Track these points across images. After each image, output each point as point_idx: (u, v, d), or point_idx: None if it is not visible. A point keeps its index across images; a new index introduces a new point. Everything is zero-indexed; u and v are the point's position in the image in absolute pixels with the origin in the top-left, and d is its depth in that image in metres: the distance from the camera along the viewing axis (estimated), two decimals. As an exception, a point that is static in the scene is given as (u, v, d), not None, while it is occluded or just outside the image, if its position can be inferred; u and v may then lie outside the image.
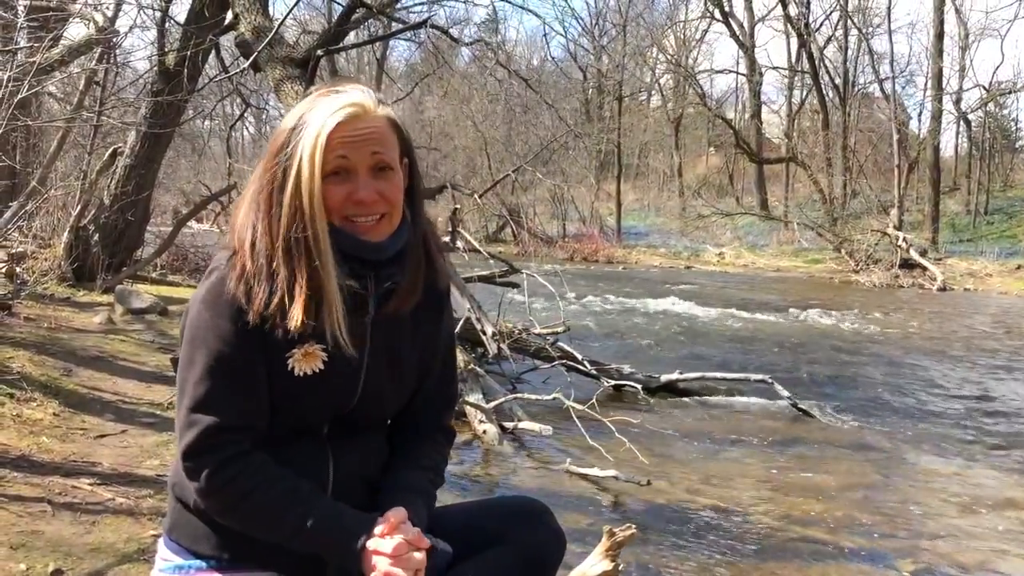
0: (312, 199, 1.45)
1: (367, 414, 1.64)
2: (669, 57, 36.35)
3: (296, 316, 1.44)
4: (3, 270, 7.72)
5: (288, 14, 7.41)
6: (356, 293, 1.52)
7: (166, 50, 9.01)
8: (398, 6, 11.03)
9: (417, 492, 1.61)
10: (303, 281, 1.44)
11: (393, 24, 11.05)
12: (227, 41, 9.65)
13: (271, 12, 7.73)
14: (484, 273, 8.30)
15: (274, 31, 6.18)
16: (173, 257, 12.03)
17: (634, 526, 1.79)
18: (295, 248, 1.45)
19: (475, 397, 5.72)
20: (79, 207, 8.72)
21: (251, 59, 6.31)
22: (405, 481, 1.63)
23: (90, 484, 3.42)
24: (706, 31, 38.24)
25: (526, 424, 5.64)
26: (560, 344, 7.19)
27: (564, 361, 6.93)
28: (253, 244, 1.48)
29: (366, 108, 1.50)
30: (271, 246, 1.47)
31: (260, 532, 1.49)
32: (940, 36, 25.83)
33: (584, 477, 4.77)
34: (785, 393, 6.80)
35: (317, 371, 1.52)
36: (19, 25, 7.03)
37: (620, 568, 1.80)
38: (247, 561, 1.52)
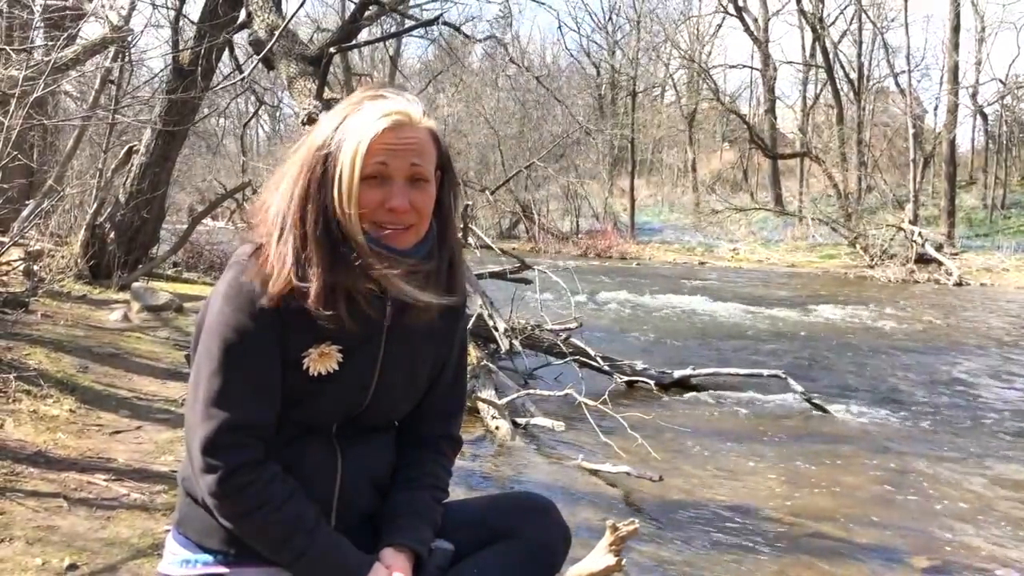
0: (350, 199, 1.46)
1: (376, 416, 1.66)
2: (683, 52, 36.23)
3: (318, 312, 1.46)
4: (20, 268, 7.78)
5: (299, 8, 7.42)
6: (375, 297, 1.53)
7: (180, 48, 9.06)
8: (411, 3, 11.03)
9: (421, 516, 1.64)
10: (329, 278, 1.46)
11: (406, 21, 11.07)
12: (241, 39, 9.69)
13: (284, 10, 7.76)
14: (496, 269, 8.30)
15: (284, 25, 6.20)
16: (188, 254, 12.11)
17: (637, 521, 1.80)
18: (326, 244, 1.47)
19: (488, 393, 5.74)
20: (95, 205, 8.78)
21: (262, 54, 6.33)
22: (409, 505, 1.65)
23: (105, 480, 3.45)
24: (720, 26, 38.22)
25: (538, 420, 5.65)
26: (573, 340, 7.19)
27: (576, 357, 6.93)
28: (281, 235, 1.49)
29: (412, 118, 1.51)
30: (300, 240, 1.48)
31: (260, 548, 1.52)
32: (956, 29, 25.60)
33: (596, 473, 4.78)
34: (799, 388, 6.78)
35: (331, 371, 1.53)
36: (35, 24, 7.09)
37: (624, 563, 1.80)
38: (254, 556, 1.53)
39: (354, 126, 1.48)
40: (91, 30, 10.09)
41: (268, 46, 6.13)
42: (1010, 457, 5.65)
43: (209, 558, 1.57)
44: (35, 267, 8.12)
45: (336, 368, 1.53)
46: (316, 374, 1.53)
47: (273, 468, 1.51)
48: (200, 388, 1.49)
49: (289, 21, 6.37)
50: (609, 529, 1.80)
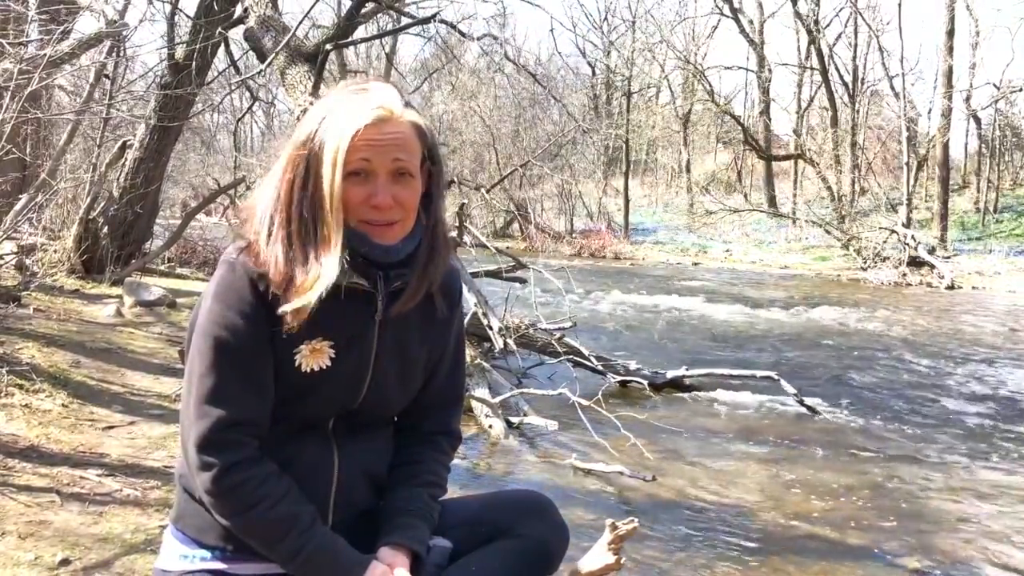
0: (332, 197, 1.46)
1: (372, 411, 1.65)
2: (678, 53, 36.23)
3: (305, 310, 1.46)
4: (13, 262, 7.76)
5: (305, 16, 7.40)
6: (365, 292, 1.54)
7: (175, 43, 9.03)
8: (407, 0, 11.02)
9: (420, 515, 1.64)
10: (316, 275, 1.46)
11: (402, 19, 11.07)
12: (235, 34, 9.67)
13: (279, 5, 7.74)
14: (491, 268, 8.31)
15: (291, 34, 6.19)
16: (182, 250, 12.07)
17: (636, 520, 1.80)
18: (311, 242, 1.47)
19: (481, 392, 5.74)
20: (88, 199, 8.74)
21: (268, 63, 6.30)
22: (408, 503, 1.65)
23: (98, 475, 3.45)
24: (715, 27, 38.13)
25: (532, 419, 5.66)
26: (566, 339, 7.20)
27: (570, 356, 6.94)
28: (270, 234, 1.49)
29: (393, 112, 1.50)
30: (286, 239, 1.48)
31: (256, 546, 1.52)
32: (950, 33, 25.63)
33: (589, 472, 4.79)
34: (792, 390, 6.79)
35: (324, 367, 1.53)
36: (30, 18, 7.06)
37: (623, 562, 1.80)
38: (252, 553, 1.53)
39: (335, 123, 1.48)
40: (86, 25, 10.05)
41: (274, 54, 6.09)
42: (1001, 459, 5.68)
43: (207, 554, 1.57)
44: (28, 261, 8.09)
45: (329, 364, 1.54)
46: (308, 370, 1.53)
47: (269, 466, 1.51)
48: (193, 386, 1.49)
49: (297, 27, 6.34)
50: (608, 528, 1.80)
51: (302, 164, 1.49)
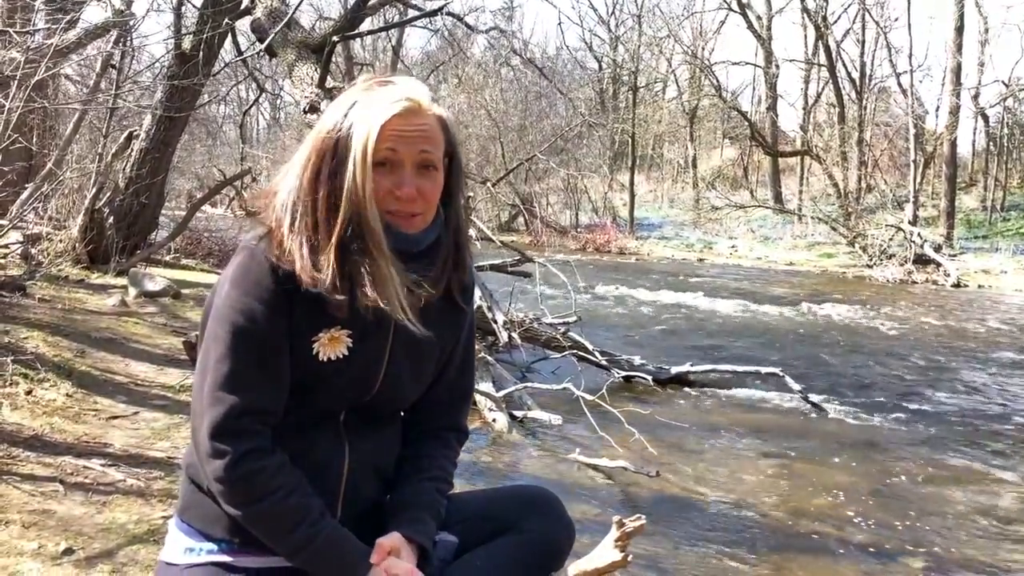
0: (362, 185, 1.45)
1: (385, 403, 1.65)
2: (685, 48, 36.14)
3: (330, 297, 1.45)
4: (19, 251, 7.76)
5: (301, 2, 7.38)
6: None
7: (182, 34, 9.02)
8: (414, -7, 10.98)
9: (427, 509, 1.63)
10: (341, 264, 1.45)
11: (409, 11, 11.05)
12: (243, 25, 9.65)
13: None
14: (496, 262, 8.30)
15: (289, 16, 6.17)
16: (187, 241, 12.08)
17: (643, 517, 1.79)
18: (337, 230, 1.46)
19: (485, 386, 5.74)
20: (94, 190, 8.74)
21: (266, 43, 6.30)
22: (415, 498, 1.64)
23: (102, 465, 3.45)
24: (723, 22, 38.12)
25: (536, 413, 5.66)
26: (571, 334, 7.20)
27: (574, 351, 6.93)
28: (293, 223, 1.48)
29: (422, 104, 1.51)
30: (311, 226, 1.47)
31: (263, 537, 1.50)
32: (959, 30, 25.52)
33: (593, 467, 4.78)
34: (796, 387, 6.78)
35: (341, 357, 1.53)
36: (37, 7, 7.05)
37: (629, 559, 1.79)
38: (258, 545, 1.52)
39: (364, 111, 1.48)
40: (93, 14, 10.05)
41: (272, 35, 6.09)
42: (1005, 458, 5.66)
43: (213, 546, 1.55)
44: (33, 251, 8.09)
45: (345, 353, 1.53)
46: (326, 359, 1.52)
47: (281, 456, 1.50)
48: (208, 373, 1.48)
49: (295, 10, 6.33)
50: (616, 525, 1.79)
51: (329, 152, 1.48)
